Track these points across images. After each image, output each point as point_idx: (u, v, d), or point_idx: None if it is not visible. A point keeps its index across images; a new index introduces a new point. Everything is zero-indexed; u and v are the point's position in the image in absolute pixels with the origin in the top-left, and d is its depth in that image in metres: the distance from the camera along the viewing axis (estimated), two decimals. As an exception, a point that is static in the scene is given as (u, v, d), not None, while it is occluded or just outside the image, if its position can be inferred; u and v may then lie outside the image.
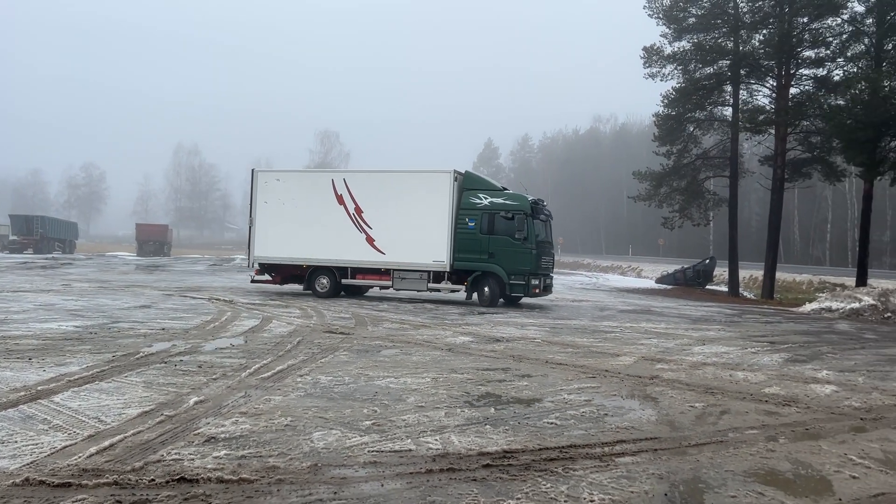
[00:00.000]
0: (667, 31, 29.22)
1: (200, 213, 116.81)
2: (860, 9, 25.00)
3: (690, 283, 33.86)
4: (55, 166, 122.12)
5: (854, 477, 4.69)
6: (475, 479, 4.30)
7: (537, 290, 17.62)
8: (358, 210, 18.40)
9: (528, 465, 4.61)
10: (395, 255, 18.05)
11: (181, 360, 8.05)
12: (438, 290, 18.27)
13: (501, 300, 18.22)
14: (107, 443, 4.69)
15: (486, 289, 17.78)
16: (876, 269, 38.83)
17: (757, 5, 27.95)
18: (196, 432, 5.06)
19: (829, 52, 26.34)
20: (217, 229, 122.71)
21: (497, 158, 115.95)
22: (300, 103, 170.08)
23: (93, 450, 4.53)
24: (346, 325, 12.54)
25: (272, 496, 3.90)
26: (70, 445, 4.64)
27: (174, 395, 6.26)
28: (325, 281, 18.83)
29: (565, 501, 3.99)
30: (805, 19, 26.67)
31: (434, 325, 13.23)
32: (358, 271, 18.60)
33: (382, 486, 4.13)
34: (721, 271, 34.08)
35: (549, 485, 4.24)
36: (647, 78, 29.58)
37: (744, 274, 34.01)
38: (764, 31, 27.98)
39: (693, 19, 28.55)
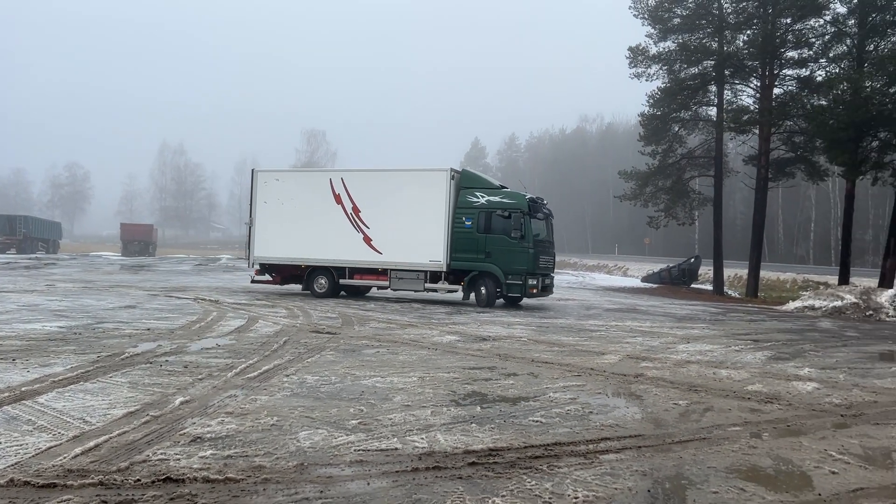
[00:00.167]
0: (652, 31, 29.45)
1: (186, 212, 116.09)
2: (842, 10, 25.33)
3: (676, 281, 34.10)
4: (38, 165, 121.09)
5: (834, 472, 4.76)
6: (461, 478, 4.33)
7: (535, 291, 17.24)
8: (355, 209, 18.28)
9: (513, 463, 4.64)
10: (392, 255, 17.90)
11: (167, 361, 8.02)
12: (435, 291, 18.05)
13: (502, 300, 18.04)
14: (92, 443, 4.68)
15: (483, 289, 17.52)
16: (859, 268, 39.26)
17: (741, 6, 28.20)
18: (182, 432, 5.06)
19: (811, 52, 26.64)
20: (202, 229, 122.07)
21: (484, 158, 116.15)
22: (286, 103, 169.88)
23: (78, 450, 4.52)
24: (332, 324, 12.53)
25: (258, 495, 3.92)
26: (55, 446, 4.62)
27: (160, 395, 6.24)
28: (323, 281, 18.76)
29: (550, 498, 4.03)
30: (788, 20, 26.93)
31: (421, 324, 13.25)
32: (356, 271, 18.48)
33: (369, 484, 4.15)
34: (706, 270, 34.36)
35: (533, 482, 4.28)
36: (632, 78, 29.77)
37: (728, 273, 34.29)
38: (748, 32, 28.26)
39: (678, 20, 28.76)
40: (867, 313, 19.26)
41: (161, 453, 4.55)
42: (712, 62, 28.59)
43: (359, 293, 19.99)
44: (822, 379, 8.58)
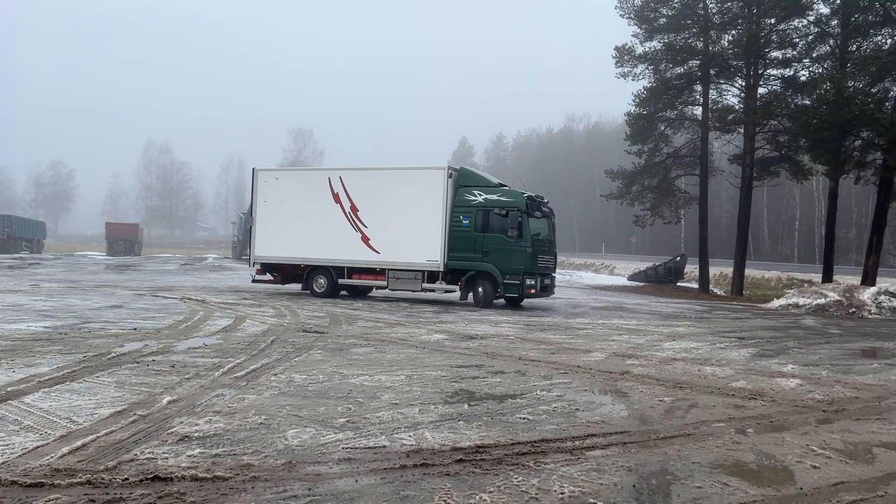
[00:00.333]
0: (638, 31, 29.56)
1: (171, 211, 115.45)
2: (825, 10, 25.56)
3: (662, 280, 34.30)
4: (21, 164, 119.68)
5: (815, 467, 4.84)
6: (448, 474, 4.37)
7: (533, 291, 16.81)
8: (354, 208, 18.14)
9: (500, 460, 4.69)
10: (390, 255, 17.72)
11: (153, 360, 8.00)
12: (433, 291, 17.84)
13: (502, 300, 17.83)
14: (79, 443, 4.67)
15: (480, 289, 17.21)
16: (842, 266, 39.69)
17: (726, 6, 28.40)
18: (169, 431, 5.06)
19: (795, 52, 26.88)
20: (189, 228, 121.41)
21: (471, 157, 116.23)
22: (273, 102, 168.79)
23: (65, 450, 4.51)
24: (320, 323, 12.53)
25: (247, 493, 3.93)
26: (42, 446, 4.61)
27: (147, 394, 6.23)
28: (322, 281, 18.69)
29: (536, 494, 4.07)
30: (772, 20, 27.16)
31: (409, 323, 13.28)
32: (354, 271, 18.35)
33: (357, 481, 4.18)
34: (692, 268, 34.58)
35: (520, 478, 4.33)
36: (618, 77, 29.89)
37: (714, 271, 34.53)
38: (733, 32, 28.45)
39: (664, 20, 28.89)
40: (850, 311, 19.48)
41: (149, 452, 4.55)
42: (698, 62, 28.77)
43: (361, 293, 19.80)
44: (804, 375, 8.69)
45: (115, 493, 3.83)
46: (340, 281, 18.48)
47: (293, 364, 8.12)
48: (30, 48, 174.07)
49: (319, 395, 6.52)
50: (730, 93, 30.01)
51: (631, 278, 37.28)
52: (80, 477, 4.04)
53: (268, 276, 19.58)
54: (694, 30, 28.95)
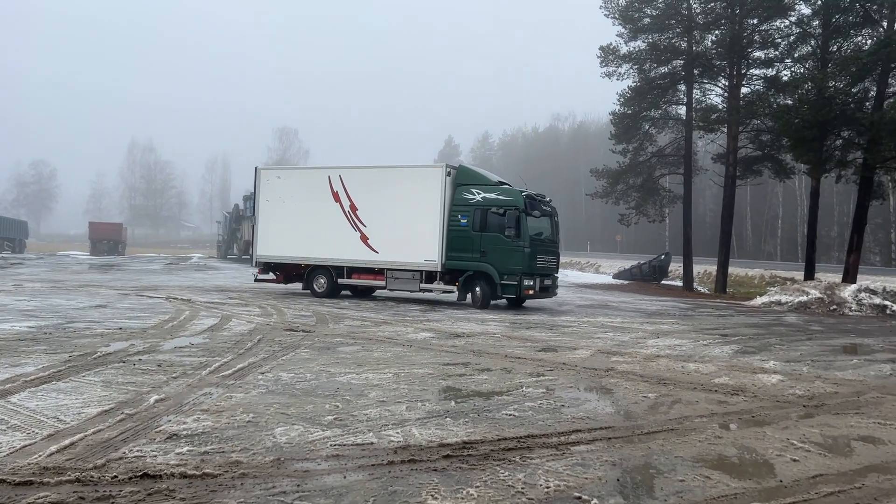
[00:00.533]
0: (623, 30, 29.73)
1: (156, 211, 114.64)
2: (807, 11, 25.86)
3: (646, 278, 34.52)
4: (2, 163, 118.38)
5: (795, 460, 4.94)
6: (436, 470, 4.42)
7: (531, 292, 16.36)
8: (353, 207, 17.97)
9: (487, 455, 4.75)
10: (388, 254, 17.51)
11: (140, 360, 7.99)
12: (431, 291, 17.58)
13: (504, 300, 17.49)
14: (67, 441, 4.68)
15: (478, 289, 16.76)
16: (825, 264, 40.16)
17: (709, 6, 28.64)
18: (158, 430, 5.08)
19: (777, 52, 27.16)
20: (173, 228, 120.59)
21: (457, 156, 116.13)
22: (258, 102, 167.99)
23: (53, 448, 4.52)
24: (306, 322, 12.54)
25: (236, 489, 3.97)
26: (29, 445, 4.61)
27: (134, 393, 6.24)
28: (322, 281, 18.57)
29: (522, 488, 4.13)
30: (755, 21, 27.44)
31: (395, 321, 13.32)
32: (353, 271, 18.15)
33: (345, 477, 4.22)
34: (676, 266, 34.82)
35: (507, 473, 4.39)
36: (603, 77, 30.06)
37: (698, 269, 34.82)
38: (716, 32, 28.70)
39: (648, 20, 29.09)
40: (831, 308, 19.75)
41: (137, 450, 4.57)
42: (681, 62, 29.00)
43: (364, 294, 19.56)
44: (786, 371, 8.83)
45: (105, 491, 3.86)
46: (340, 281, 18.31)
47: (280, 363, 8.14)
48: (10, 47, 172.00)
49: (307, 393, 6.55)
50: (713, 92, 30.30)
51: (616, 276, 37.48)
52: (69, 475, 4.05)
53: (270, 276, 19.49)
54: (678, 30, 29.17)
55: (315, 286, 18.67)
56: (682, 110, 30.68)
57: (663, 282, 34.55)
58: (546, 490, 4.12)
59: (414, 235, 17.27)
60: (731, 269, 31.33)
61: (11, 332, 9.88)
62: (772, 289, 24.59)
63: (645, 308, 19.26)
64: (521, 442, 5.10)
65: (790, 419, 6.24)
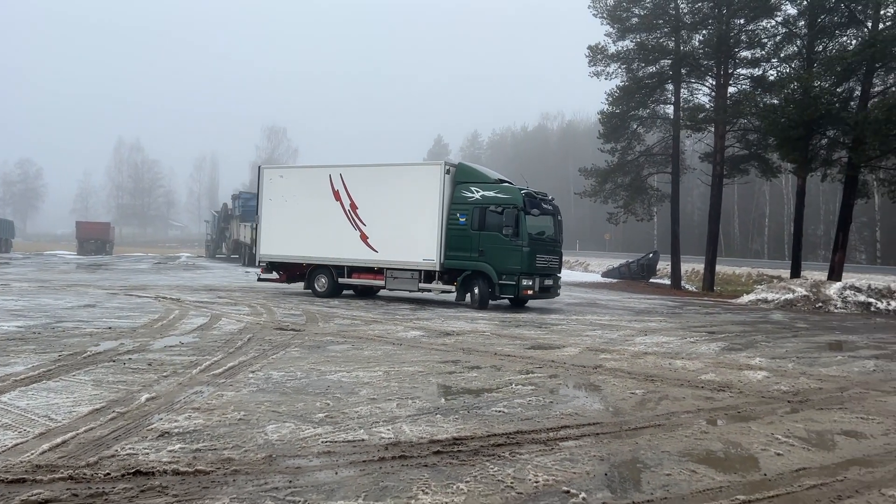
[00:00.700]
0: (611, 30, 29.89)
1: (143, 210, 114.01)
2: (793, 11, 26.08)
3: (635, 276, 34.70)
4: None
5: (779, 454, 5.03)
6: (426, 465, 4.48)
7: (530, 292, 16.06)
8: (353, 206, 17.85)
9: (476, 451, 4.81)
10: (388, 254, 17.37)
11: (130, 359, 8.00)
12: (430, 291, 17.46)
13: (507, 301, 17.30)
14: (59, 440, 4.70)
15: (476, 289, 16.47)
16: (811, 262, 40.51)
17: (697, 6, 28.85)
18: (149, 428, 5.11)
19: (764, 52, 27.36)
20: (161, 227, 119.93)
21: (447, 154, 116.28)
22: (246, 101, 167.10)
23: (45, 447, 4.54)
24: (296, 321, 12.56)
25: (228, 486, 4.00)
26: (21, 443, 4.63)
27: (125, 392, 6.25)
28: (323, 280, 18.49)
29: (512, 483, 4.20)
30: (742, 21, 27.65)
31: (385, 320, 13.36)
32: (354, 270, 18.01)
33: (336, 473, 4.27)
34: (664, 265, 35.03)
35: (496, 468, 4.45)
36: (592, 76, 30.21)
37: (686, 267, 35.07)
38: (703, 32, 28.93)
39: (636, 19, 29.25)
40: (817, 305, 19.96)
41: (129, 448, 4.59)
42: (669, 61, 29.18)
43: (366, 293, 19.43)
44: (771, 368, 8.95)
45: (98, 488, 3.89)
46: (341, 280, 18.20)
47: (271, 361, 8.17)
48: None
49: (298, 391, 6.59)
50: (700, 92, 30.52)
51: (604, 275, 37.65)
52: (62, 472, 4.08)
53: (274, 275, 19.46)
54: (665, 29, 29.35)
55: (316, 286, 18.61)
56: (670, 110, 30.89)
57: (651, 280, 34.74)
58: (535, 485, 4.18)
59: (413, 234, 17.11)
60: (718, 268, 31.57)
61: (0, 332, 9.84)
62: (758, 287, 24.80)
63: (633, 306, 19.39)
64: (511, 438, 5.16)
65: (775, 414, 6.34)
